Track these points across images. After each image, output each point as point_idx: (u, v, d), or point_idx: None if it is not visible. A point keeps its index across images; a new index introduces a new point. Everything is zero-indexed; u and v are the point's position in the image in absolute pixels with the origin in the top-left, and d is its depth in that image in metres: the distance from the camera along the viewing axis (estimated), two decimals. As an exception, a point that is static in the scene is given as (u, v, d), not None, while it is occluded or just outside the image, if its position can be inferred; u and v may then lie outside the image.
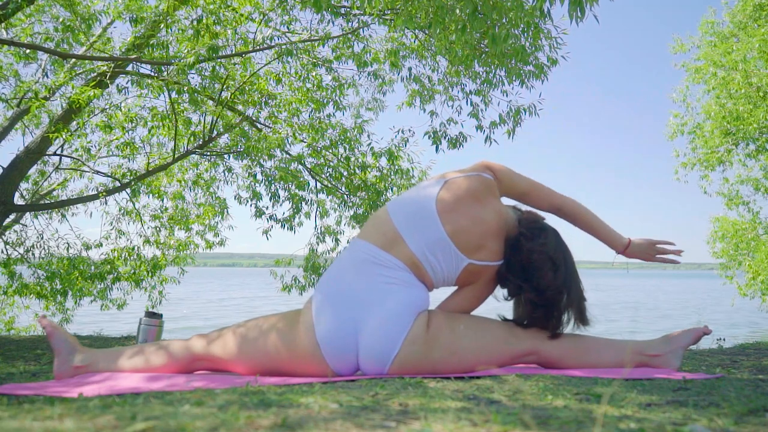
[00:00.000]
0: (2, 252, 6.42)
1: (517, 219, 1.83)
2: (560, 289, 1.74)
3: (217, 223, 6.67)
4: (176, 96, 4.88)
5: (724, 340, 3.35)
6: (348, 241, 5.63)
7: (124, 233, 6.41)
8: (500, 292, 1.86)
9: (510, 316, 1.83)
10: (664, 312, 20.17)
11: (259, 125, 5.55)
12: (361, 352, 1.62)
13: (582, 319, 1.78)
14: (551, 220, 1.91)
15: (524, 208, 1.91)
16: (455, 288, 1.84)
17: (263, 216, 5.69)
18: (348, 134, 5.57)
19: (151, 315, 2.64)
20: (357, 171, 5.56)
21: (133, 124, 5.26)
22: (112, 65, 4.82)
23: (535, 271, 1.73)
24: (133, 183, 5.48)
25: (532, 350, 1.72)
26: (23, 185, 6.53)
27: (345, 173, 5.59)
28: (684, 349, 1.79)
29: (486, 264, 1.75)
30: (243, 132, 5.37)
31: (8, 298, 6.50)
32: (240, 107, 5.37)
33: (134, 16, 4.68)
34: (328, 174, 5.71)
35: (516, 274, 1.75)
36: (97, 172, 5.98)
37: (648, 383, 1.44)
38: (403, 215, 1.73)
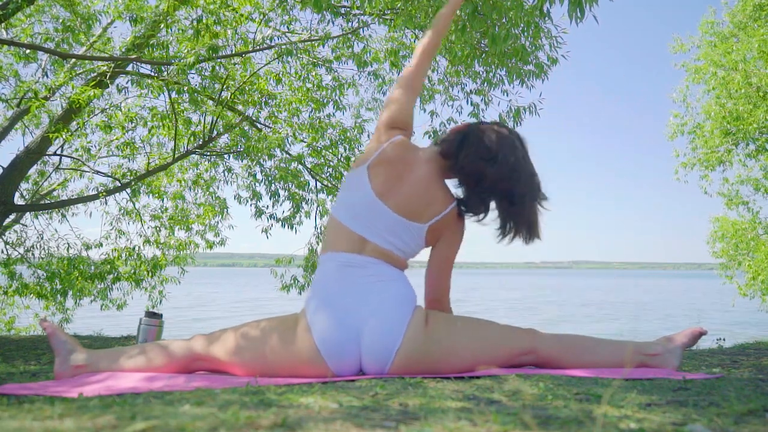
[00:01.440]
0: (2, 252, 6.43)
1: (440, 153, 1.83)
2: (510, 172, 1.74)
3: (217, 222, 6.68)
4: (176, 96, 4.88)
5: (724, 340, 3.35)
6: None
7: (124, 233, 6.41)
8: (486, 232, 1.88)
9: (504, 320, 1.84)
10: (663, 312, 20.18)
11: (259, 125, 5.55)
12: (363, 352, 1.63)
13: (540, 197, 1.79)
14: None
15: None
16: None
17: (263, 216, 5.69)
18: (348, 134, 5.57)
19: (151, 315, 2.64)
20: (357, 171, 5.56)
21: (133, 124, 5.26)
22: (112, 65, 4.82)
23: (484, 180, 1.76)
24: (133, 183, 5.48)
25: (530, 349, 1.72)
26: (23, 185, 6.53)
27: (345, 173, 5.59)
28: (683, 348, 1.79)
29: (441, 216, 1.77)
30: (243, 132, 5.37)
31: (8, 298, 6.50)
32: (240, 107, 5.37)
33: (134, 16, 4.68)
34: (328, 174, 5.71)
35: (476, 198, 1.79)
36: (97, 172, 5.99)
37: (648, 383, 1.44)
38: (353, 216, 1.76)
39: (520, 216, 1.77)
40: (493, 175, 1.74)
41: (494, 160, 1.74)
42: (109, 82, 4.98)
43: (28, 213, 6.62)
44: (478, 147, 1.77)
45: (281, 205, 5.67)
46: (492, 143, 1.77)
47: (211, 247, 6.79)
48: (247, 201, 5.84)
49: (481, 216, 1.82)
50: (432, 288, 1.87)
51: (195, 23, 4.30)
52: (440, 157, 1.83)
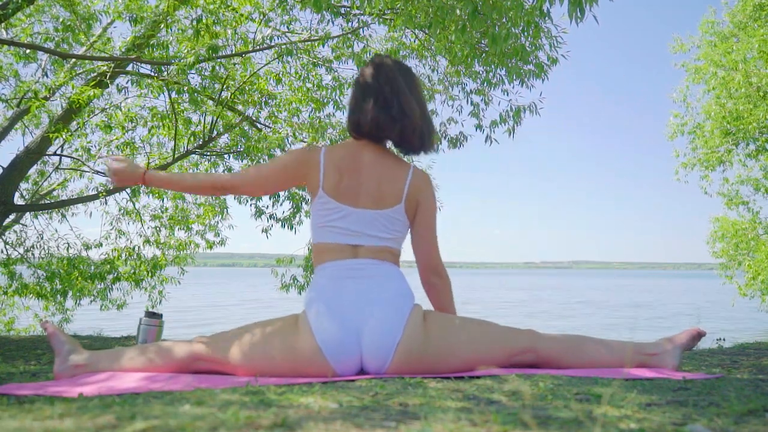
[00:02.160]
0: (2, 252, 6.42)
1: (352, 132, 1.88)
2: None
3: (217, 222, 6.68)
4: (176, 96, 4.88)
5: (724, 340, 3.35)
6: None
7: (124, 233, 6.41)
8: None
9: (497, 319, 1.85)
10: (663, 312, 20.17)
11: (259, 125, 5.55)
12: (364, 351, 1.63)
13: None
14: None
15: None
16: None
17: (263, 216, 5.69)
18: (348, 134, 5.57)
19: (151, 315, 2.64)
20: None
21: (133, 124, 5.26)
22: (112, 65, 4.82)
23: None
24: (133, 183, 5.47)
25: (529, 348, 1.72)
26: (23, 185, 6.53)
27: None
28: (682, 349, 1.79)
29: (408, 183, 1.80)
30: (243, 132, 5.36)
31: (8, 299, 6.50)
32: (240, 107, 5.37)
33: (134, 16, 4.68)
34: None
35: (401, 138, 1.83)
36: (97, 172, 5.98)
37: (648, 383, 1.44)
38: (337, 233, 1.76)
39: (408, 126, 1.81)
40: (382, 118, 1.79)
41: (360, 111, 1.81)
42: (109, 82, 4.97)
43: (28, 213, 6.61)
44: (362, 111, 1.82)
45: (281, 205, 5.67)
46: (362, 99, 1.83)
47: (211, 247, 6.79)
48: (247, 201, 5.84)
49: (424, 140, 1.84)
50: (424, 259, 1.88)
51: (195, 23, 4.30)
52: (362, 138, 1.86)
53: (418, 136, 1.83)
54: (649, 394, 1.24)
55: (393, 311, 1.65)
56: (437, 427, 0.83)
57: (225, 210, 6.54)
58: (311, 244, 1.86)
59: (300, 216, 5.67)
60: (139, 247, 6.32)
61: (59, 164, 6.50)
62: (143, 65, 4.88)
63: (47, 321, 1.85)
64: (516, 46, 3.95)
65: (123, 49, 5.03)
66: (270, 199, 5.63)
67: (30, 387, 1.52)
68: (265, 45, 4.83)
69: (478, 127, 5.13)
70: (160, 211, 6.48)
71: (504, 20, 3.49)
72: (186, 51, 4.34)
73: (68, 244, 6.48)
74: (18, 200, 5.98)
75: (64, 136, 5.08)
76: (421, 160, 5.63)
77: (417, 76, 1.92)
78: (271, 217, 5.69)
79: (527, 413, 0.94)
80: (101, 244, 6.35)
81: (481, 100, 5.15)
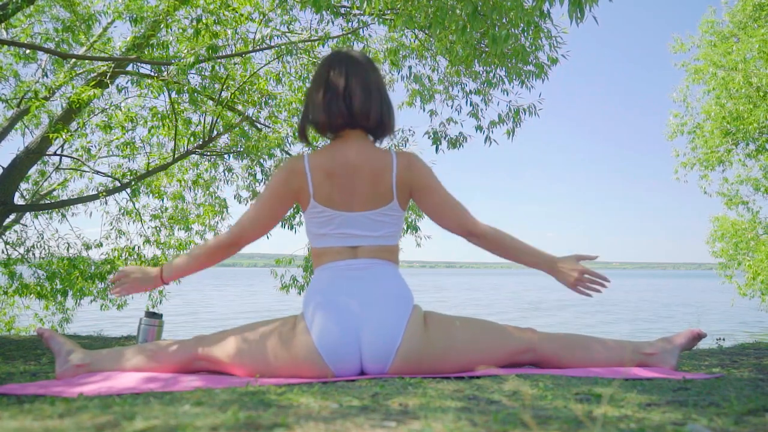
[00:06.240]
0: (2, 252, 6.43)
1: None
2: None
3: (217, 222, 6.68)
4: (176, 96, 4.88)
5: (724, 340, 3.35)
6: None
7: (124, 233, 6.42)
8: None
9: (499, 318, 1.84)
10: (663, 312, 20.18)
11: (259, 125, 5.55)
12: (364, 352, 1.63)
13: None
14: None
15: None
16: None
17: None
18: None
19: (151, 315, 2.64)
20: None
21: (133, 124, 5.26)
22: (112, 65, 4.83)
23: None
24: (133, 183, 5.48)
25: (528, 347, 1.73)
26: (23, 185, 6.54)
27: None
28: (680, 349, 1.79)
29: (396, 175, 1.75)
30: (243, 132, 5.37)
31: (8, 298, 6.50)
32: (240, 107, 5.37)
33: (134, 16, 4.68)
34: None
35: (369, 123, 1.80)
36: (97, 172, 5.99)
37: (648, 383, 1.44)
38: (333, 237, 1.75)
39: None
40: (342, 109, 1.80)
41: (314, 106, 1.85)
42: (109, 82, 4.98)
43: (28, 213, 6.62)
44: (315, 109, 1.86)
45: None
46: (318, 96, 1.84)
47: (211, 247, 6.78)
48: (247, 201, 5.84)
49: (386, 122, 1.81)
50: (458, 229, 1.81)
51: (195, 23, 4.30)
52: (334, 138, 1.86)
53: (378, 118, 1.79)
54: (649, 394, 1.24)
55: (393, 313, 1.65)
56: (437, 427, 0.83)
57: (225, 210, 6.54)
58: (309, 247, 1.84)
59: (300, 216, 5.68)
60: (139, 247, 6.33)
61: (59, 164, 6.51)
62: (143, 65, 4.88)
63: (41, 327, 1.85)
64: (516, 46, 3.95)
65: (123, 49, 5.03)
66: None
67: (30, 387, 1.52)
68: (265, 45, 4.83)
69: (479, 128, 5.13)
70: (159, 211, 6.49)
71: (504, 20, 3.49)
72: (186, 51, 4.34)
73: (68, 244, 6.49)
74: (18, 200, 5.98)
75: (64, 136, 5.08)
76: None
77: (367, 63, 1.85)
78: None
79: (527, 413, 0.94)
80: (101, 244, 6.36)
81: (481, 100, 5.15)
